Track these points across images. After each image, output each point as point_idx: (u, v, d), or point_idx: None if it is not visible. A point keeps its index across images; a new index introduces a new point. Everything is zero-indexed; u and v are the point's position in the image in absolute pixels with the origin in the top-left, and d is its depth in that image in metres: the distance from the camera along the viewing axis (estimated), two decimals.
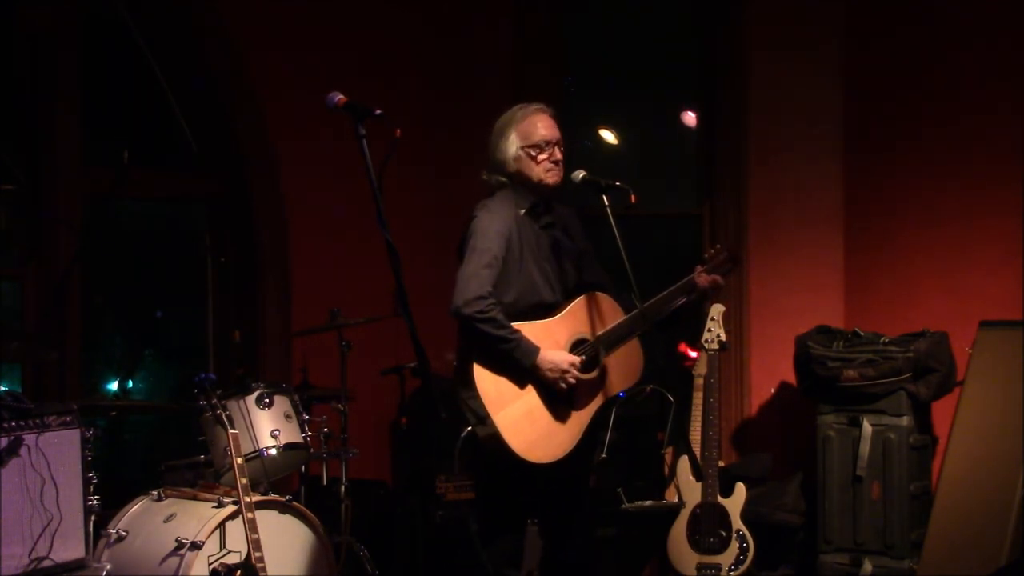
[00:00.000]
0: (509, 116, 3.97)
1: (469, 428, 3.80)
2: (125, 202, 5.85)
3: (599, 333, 3.90)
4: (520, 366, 3.76)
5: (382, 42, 6.02)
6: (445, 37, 6.20)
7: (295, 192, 5.78)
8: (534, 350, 3.76)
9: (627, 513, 5.14)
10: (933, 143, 5.64)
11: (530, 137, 3.92)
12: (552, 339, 3.83)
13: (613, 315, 3.95)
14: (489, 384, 3.75)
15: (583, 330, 3.90)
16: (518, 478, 3.83)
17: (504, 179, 3.96)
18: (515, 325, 3.80)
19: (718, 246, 4.19)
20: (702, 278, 4.02)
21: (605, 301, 3.97)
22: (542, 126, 3.93)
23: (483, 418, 3.72)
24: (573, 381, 3.79)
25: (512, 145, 3.92)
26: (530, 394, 3.80)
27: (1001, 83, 5.46)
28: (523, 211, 3.93)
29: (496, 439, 3.71)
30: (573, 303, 3.91)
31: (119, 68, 5.73)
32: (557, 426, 3.81)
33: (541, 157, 3.91)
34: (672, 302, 3.99)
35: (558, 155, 3.94)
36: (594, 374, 3.87)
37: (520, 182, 3.95)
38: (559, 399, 3.82)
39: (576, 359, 3.81)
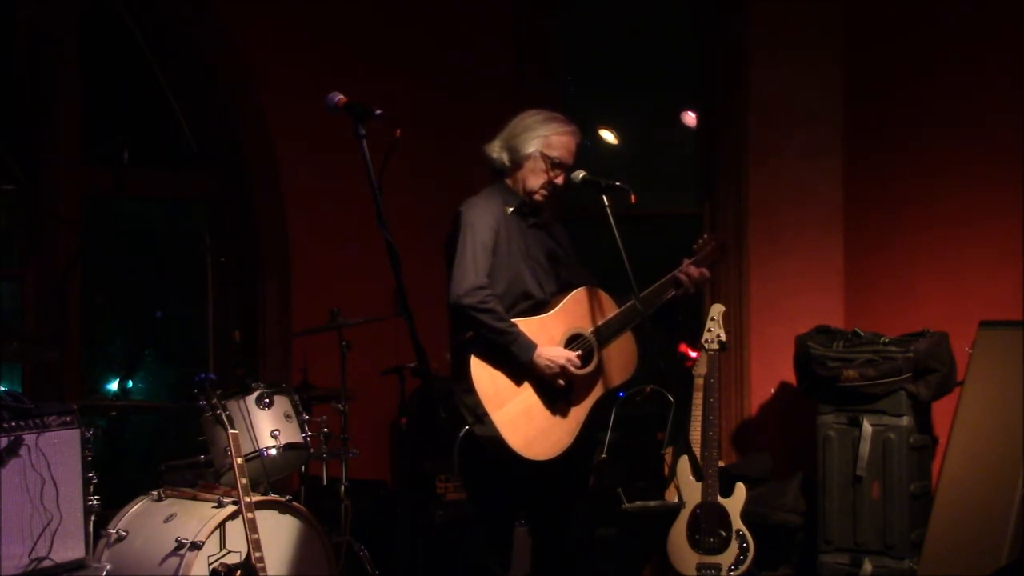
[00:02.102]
0: (547, 117, 3.97)
1: (467, 428, 3.78)
2: (125, 202, 5.85)
3: (593, 328, 3.90)
4: (517, 361, 3.76)
5: (382, 45, 6.02)
6: (445, 39, 6.20)
7: (295, 192, 5.78)
8: (531, 346, 3.76)
9: (627, 513, 5.14)
10: (933, 143, 5.64)
11: (555, 149, 3.92)
12: (547, 335, 3.82)
13: (607, 309, 3.95)
14: (486, 381, 3.75)
15: (577, 325, 3.90)
16: (512, 477, 3.82)
17: (505, 164, 3.95)
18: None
19: (705, 236, 4.18)
20: (691, 271, 4.00)
21: (598, 296, 3.97)
22: (568, 149, 3.95)
23: (481, 416, 3.71)
24: (570, 378, 3.79)
25: (535, 143, 3.92)
26: (527, 390, 3.79)
27: (1001, 83, 5.45)
28: (511, 209, 3.93)
29: (496, 441, 3.71)
30: (567, 299, 3.91)
31: (119, 68, 5.74)
32: (555, 422, 3.81)
33: (552, 173, 3.92)
34: (662, 295, 3.98)
35: (560, 180, 3.95)
36: (590, 368, 3.86)
37: (513, 179, 3.96)
38: (556, 395, 3.82)
39: (573, 355, 3.80)
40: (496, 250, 3.84)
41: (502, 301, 3.81)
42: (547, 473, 3.81)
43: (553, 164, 3.92)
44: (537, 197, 3.95)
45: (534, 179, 3.93)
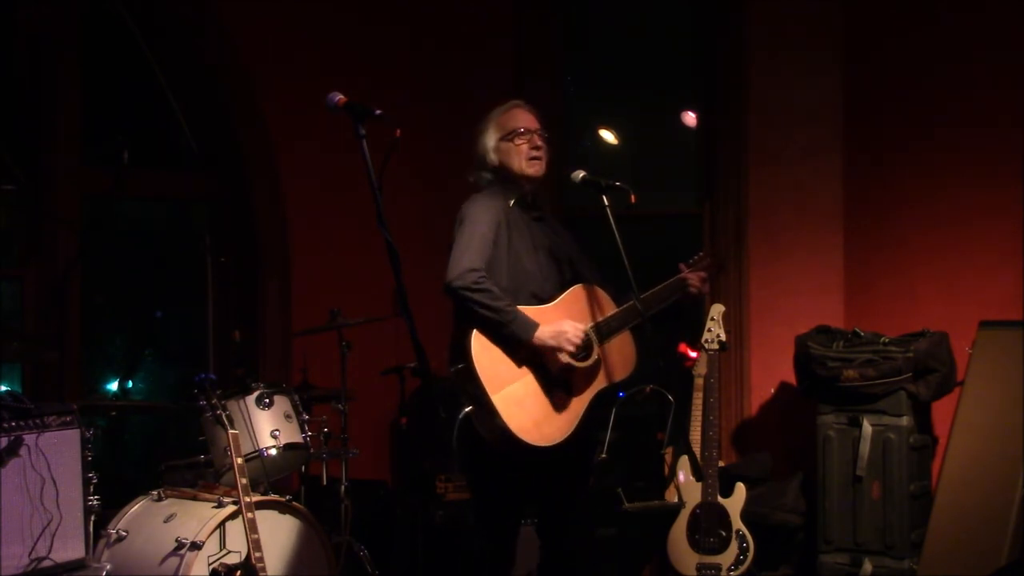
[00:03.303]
0: (488, 114, 4.02)
1: (466, 410, 3.76)
2: (125, 202, 5.85)
3: (593, 323, 3.90)
4: (517, 341, 3.73)
5: (382, 45, 6.02)
6: (445, 40, 6.20)
7: (295, 192, 5.78)
8: (533, 324, 3.73)
9: (627, 513, 5.14)
10: (933, 143, 5.64)
11: (507, 127, 3.94)
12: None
13: (606, 307, 3.95)
14: (487, 363, 3.72)
15: (577, 318, 3.89)
16: (511, 472, 3.82)
17: (488, 175, 3.97)
18: None
19: (702, 252, 4.19)
20: (691, 277, 4.02)
21: (598, 293, 3.96)
22: (520, 116, 3.96)
23: (479, 397, 3.69)
24: (572, 349, 3.76)
25: (491, 138, 3.95)
26: (527, 376, 3.77)
27: (1000, 84, 5.45)
28: (512, 202, 3.93)
29: (500, 430, 3.68)
30: (567, 293, 3.91)
31: (119, 68, 5.74)
32: (553, 411, 3.79)
33: (519, 142, 3.91)
34: (666, 298, 3.99)
35: (538, 141, 3.94)
36: (589, 363, 3.86)
37: (504, 176, 3.96)
38: (556, 385, 3.81)
39: (579, 327, 3.79)
40: (498, 243, 3.84)
41: (507, 292, 3.81)
42: (546, 470, 3.81)
43: (517, 135, 3.93)
44: (529, 172, 3.93)
45: (515, 159, 3.92)
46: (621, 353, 3.96)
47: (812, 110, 5.89)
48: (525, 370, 3.78)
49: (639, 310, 3.83)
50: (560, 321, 3.79)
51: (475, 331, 3.73)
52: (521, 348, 3.75)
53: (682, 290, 4.03)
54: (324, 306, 5.15)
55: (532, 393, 3.78)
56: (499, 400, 3.70)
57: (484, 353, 3.73)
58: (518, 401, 3.73)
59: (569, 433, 3.80)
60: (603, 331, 3.90)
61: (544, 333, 3.74)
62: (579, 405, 3.86)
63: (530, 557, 4.24)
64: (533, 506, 4.06)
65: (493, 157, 3.95)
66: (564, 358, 3.77)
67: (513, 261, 3.86)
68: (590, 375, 3.88)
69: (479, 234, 3.80)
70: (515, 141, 3.92)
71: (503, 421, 3.68)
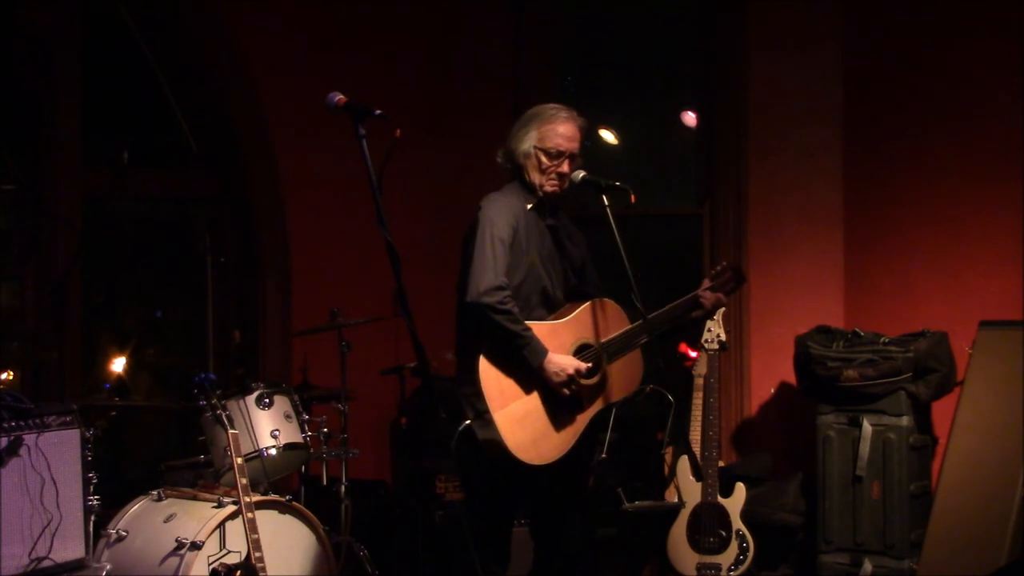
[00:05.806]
0: (539, 110, 3.96)
1: (467, 422, 3.77)
2: (125, 202, 5.85)
3: (603, 340, 3.89)
4: (527, 365, 3.75)
5: (382, 44, 6.02)
6: (445, 39, 6.20)
7: (295, 192, 5.79)
8: (543, 351, 3.75)
9: (627, 513, 5.14)
10: (933, 142, 5.64)
11: (545, 141, 3.90)
12: (557, 341, 3.82)
13: (618, 323, 3.94)
14: (492, 380, 3.74)
15: (588, 335, 3.89)
16: (513, 478, 3.82)
17: (511, 168, 3.95)
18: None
19: (724, 263, 4.17)
20: (707, 296, 4.01)
21: (611, 309, 3.95)
22: (563, 135, 3.91)
23: (482, 413, 3.70)
24: (576, 387, 3.79)
25: (528, 140, 3.91)
26: (532, 394, 3.78)
27: (1001, 82, 5.45)
28: (530, 206, 3.92)
29: (493, 441, 3.70)
30: (580, 308, 3.91)
31: (119, 68, 5.74)
32: (553, 429, 3.80)
33: (546, 164, 3.89)
34: (677, 316, 3.98)
35: (565, 168, 3.90)
36: (595, 380, 3.86)
37: (523, 179, 3.95)
38: (559, 402, 3.81)
39: (582, 365, 3.80)
40: (514, 246, 3.83)
41: (518, 293, 3.80)
42: (545, 475, 3.81)
43: (550, 155, 3.89)
44: (548, 189, 3.91)
45: (537, 175, 3.90)
46: (627, 371, 3.96)
47: (812, 110, 5.89)
48: (531, 388, 3.79)
49: (649, 329, 3.82)
50: (568, 360, 3.79)
51: (483, 349, 3.74)
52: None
53: (694, 308, 4.02)
54: (324, 306, 5.15)
55: (534, 410, 3.79)
56: (500, 417, 3.71)
57: (491, 371, 3.74)
58: (519, 419, 3.75)
59: (567, 450, 3.81)
60: (612, 349, 3.89)
61: (550, 368, 3.75)
62: (581, 422, 3.86)
63: (524, 558, 4.24)
64: (529, 508, 4.06)
65: (521, 160, 3.93)
66: (565, 392, 3.79)
67: (526, 264, 3.86)
68: (595, 393, 3.88)
69: (499, 243, 3.78)
70: (544, 162, 3.89)
71: (502, 439, 3.69)
